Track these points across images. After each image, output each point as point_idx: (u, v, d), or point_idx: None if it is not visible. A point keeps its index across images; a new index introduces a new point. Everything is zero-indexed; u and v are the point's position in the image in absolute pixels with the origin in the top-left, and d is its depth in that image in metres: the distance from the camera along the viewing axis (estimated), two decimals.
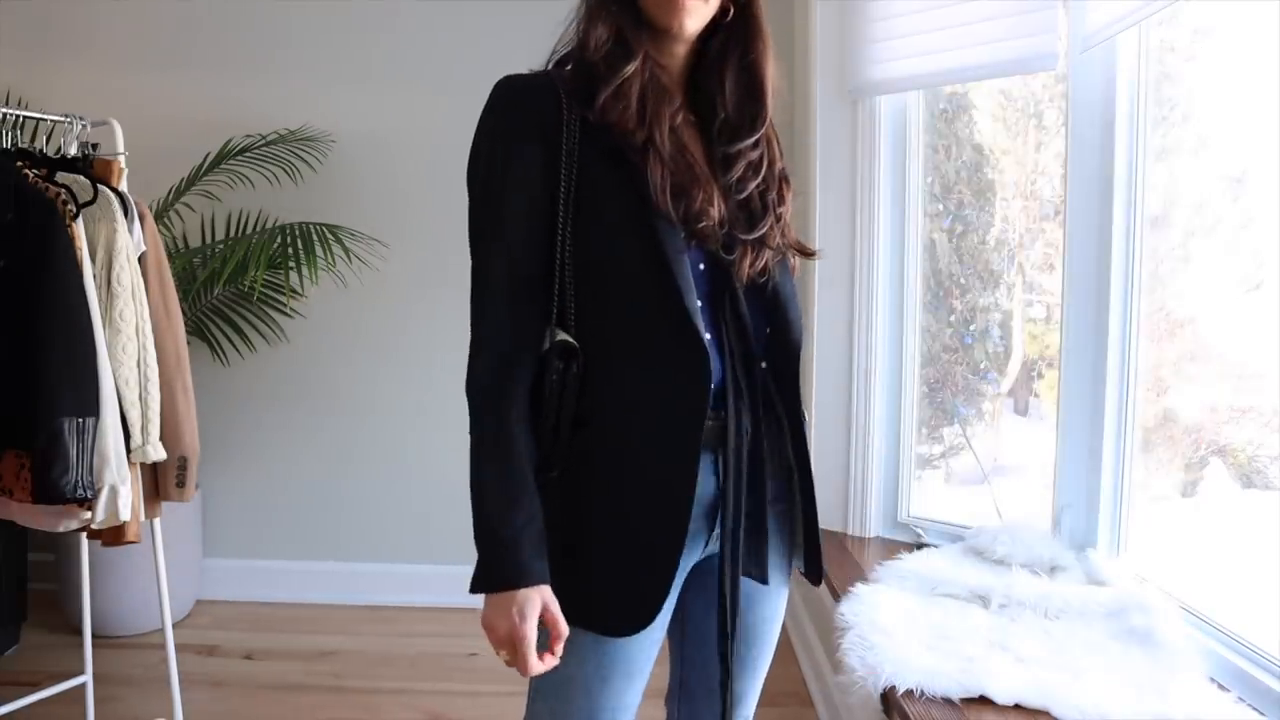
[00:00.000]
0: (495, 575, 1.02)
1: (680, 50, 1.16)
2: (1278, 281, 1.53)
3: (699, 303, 1.08)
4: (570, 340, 1.06)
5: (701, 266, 1.11)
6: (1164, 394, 1.87)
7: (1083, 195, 1.85)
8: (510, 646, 1.02)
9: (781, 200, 1.18)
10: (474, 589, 1.03)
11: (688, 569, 1.18)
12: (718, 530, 1.13)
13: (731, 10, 1.15)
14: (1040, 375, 2.29)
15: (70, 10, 3.07)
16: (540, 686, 1.14)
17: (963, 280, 2.35)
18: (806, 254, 1.22)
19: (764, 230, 1.13)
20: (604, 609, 1.07)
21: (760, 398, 1.14)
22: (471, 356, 1.08)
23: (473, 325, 1.09)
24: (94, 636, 2.31)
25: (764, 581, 1.17)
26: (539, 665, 1.02)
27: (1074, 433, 1.90)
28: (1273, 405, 1.60)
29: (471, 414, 1.06)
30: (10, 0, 3.04)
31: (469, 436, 1.06)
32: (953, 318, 2.36)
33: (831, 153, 2.33)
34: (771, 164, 1.18)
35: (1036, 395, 2.32)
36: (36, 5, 3.06)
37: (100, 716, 2.29)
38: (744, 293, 1.13)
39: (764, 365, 1.15)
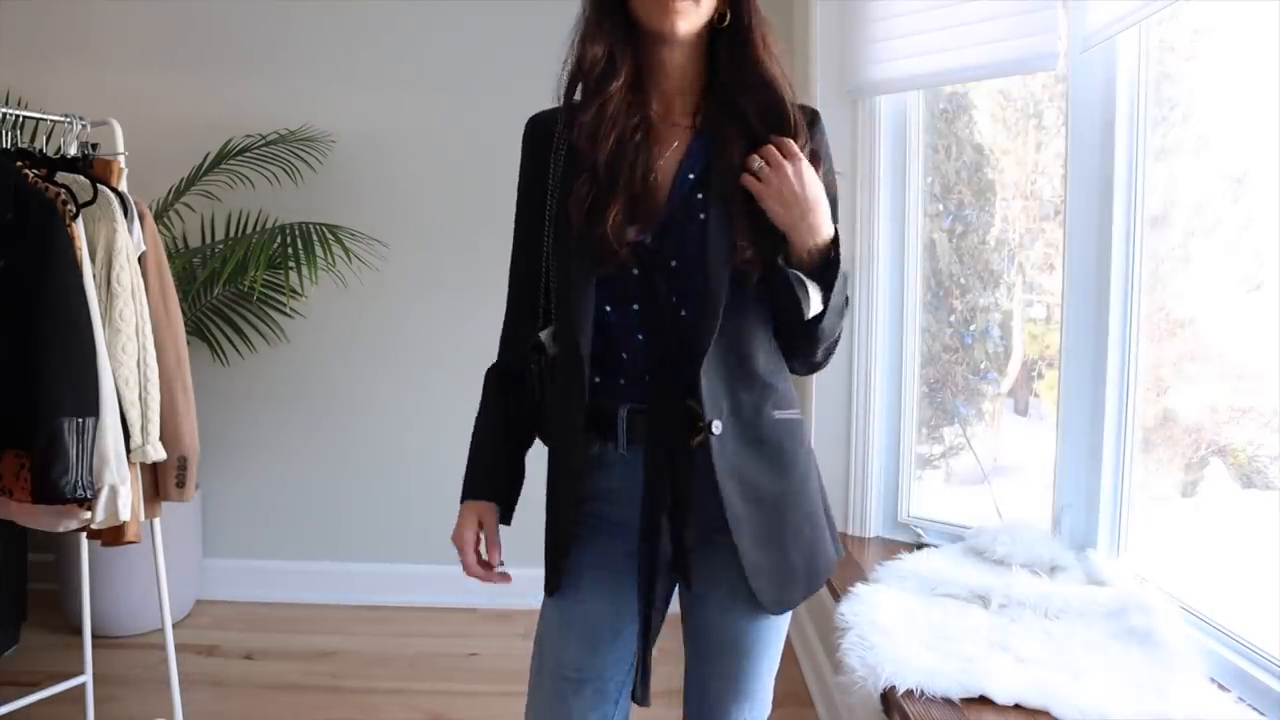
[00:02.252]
0: (462, 493, 1.28)
1: (677, 57, 1.17)
2: (1278, 281, 1.53)
3: (608, 310, 1.16)
4: (540, 339, 1.24)
5: (636, 271, 1.15)
6: (1164, 394, 1.87)
7: (1083, 195, 1.85)
8: (457, 547, 1.26)
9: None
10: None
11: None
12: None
13: (729, 16, 1.15)
14: (1040, 375, 2.29)
15: (70, 10, 3.07)
16: (534, 643, 1.30)
17: (963, 280, 2.35)
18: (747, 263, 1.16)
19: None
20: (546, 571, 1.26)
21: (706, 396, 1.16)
22: None
23: None
24: (94, 636, 2.31)
25: (688, 587, 1.22)
26: (477, 569, 1.25)
27: (1074, 433, 1.89)
28: (1273, 405, 1.60)
29: None
30: (10, 0, 3.04)
31: None
32: (953, 318, 2.36)
33: (831, 152, 2.31)
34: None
35: (1036, 395, 2.32)
36: (36, 5, 3.06)
37: (100, 716, 2.29)
38: (688, 295, 1.15)
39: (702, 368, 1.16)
